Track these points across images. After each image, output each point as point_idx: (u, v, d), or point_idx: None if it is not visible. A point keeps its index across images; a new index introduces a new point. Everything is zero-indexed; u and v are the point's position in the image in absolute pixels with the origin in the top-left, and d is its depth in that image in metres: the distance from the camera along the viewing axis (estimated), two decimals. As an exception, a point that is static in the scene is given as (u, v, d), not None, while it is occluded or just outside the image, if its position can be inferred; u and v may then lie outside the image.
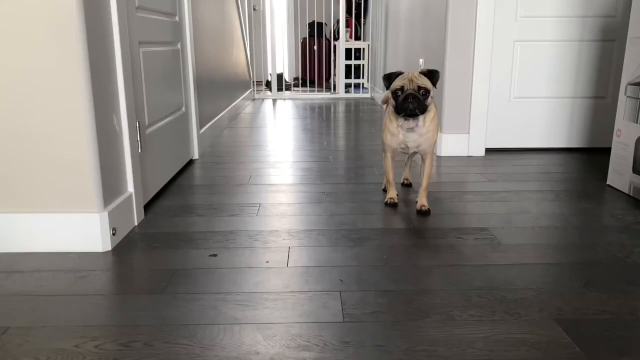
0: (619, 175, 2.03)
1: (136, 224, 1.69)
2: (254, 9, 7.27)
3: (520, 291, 1.23)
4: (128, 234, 1.61)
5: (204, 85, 2.94)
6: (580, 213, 1.78)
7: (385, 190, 1.99)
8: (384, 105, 1.96)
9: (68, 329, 1.08)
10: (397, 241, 1.53)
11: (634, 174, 1.94)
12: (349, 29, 6.64)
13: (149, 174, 1.88)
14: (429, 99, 1.69)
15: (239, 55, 4.50)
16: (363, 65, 6.37)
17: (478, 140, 2.68)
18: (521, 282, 1.28)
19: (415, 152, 1.83)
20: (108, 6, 1.51)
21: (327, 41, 6.97)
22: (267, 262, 1.40)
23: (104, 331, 1.07)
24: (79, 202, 1.45)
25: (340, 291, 1.23)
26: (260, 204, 1.89)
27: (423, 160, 1.83)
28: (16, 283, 1.29)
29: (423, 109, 1.68)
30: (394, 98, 1.70)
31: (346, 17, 6.70)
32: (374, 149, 2.87)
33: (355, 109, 4.62)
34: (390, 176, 1.88)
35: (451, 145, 2.69)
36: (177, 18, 2.35)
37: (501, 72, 2.68)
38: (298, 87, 6.83)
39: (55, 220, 1.45)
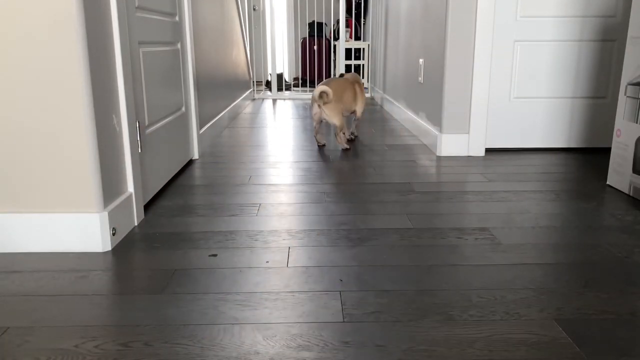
0: (619, 175, 2.03)
1: (136, 224, 1.69)
2: (254, 9, 7.27)
3: (520, 291, 1.23)
4: (128, 234, 1.61)
5: (203, 85, 2.94)
6: (580, 213, 1.78)
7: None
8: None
9: (68, 329, 1.08)
10: (397, 241, 1.53)
11: (634, 174, 1.94)
12: (349, 29, 6.65)
13: (148, 174, 1.88)
14: None
15: (239, 55, 4.50)
16: (363, 65, 6.37)
17: (478, 140, 2.68)
18: (521, 282, 1.28)
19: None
20: (108, 6, 1.51)
21: (327, 41, 6.97)
22: (267, 262, 1.40)
23: (103, 331, 1.07)
24: (78, 202, 1.45)
25: (340, 291, 1.23)
26: (260, 204, 1.89)
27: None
28: (16, 283, 1.29)
29: None
30: None
31: (346, 17, 6.70)
32: (374, 148, 2.87)
33: (355, 109, 4.62)
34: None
35: (451, 145, 2.69)
36: (177, 18, 2.35)
37: (501, 72, 2.68)
38: (298, 87, 6.83)
39: (55, 220, 1.45)
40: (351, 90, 3.00)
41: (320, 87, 2.76)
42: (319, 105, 2.80)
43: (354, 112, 3.11)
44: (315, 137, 2.99)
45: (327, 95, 2.74)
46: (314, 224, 1.68)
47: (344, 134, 2.86)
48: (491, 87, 2.70)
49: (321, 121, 2.88)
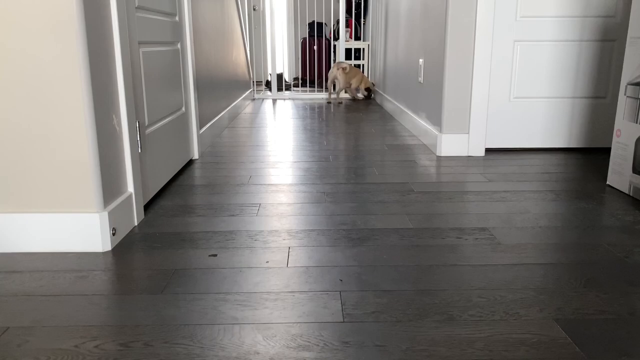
0: (618, 175, 2.03)
1: (136, 224, 1.69)
2: (254, 9, 7.27)
3: (519, 291, 1.23)
4: (128, 234, 1.61)
5: (204, 85, 2.94)
6: (580, 213, 1.78)
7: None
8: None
9: (68, 329, 1.08)
10: (397, 241, 1.53)
11: (634, 174, 1.94)
12: (349, 29, 6.65)
13: (149, 174, 1.88)
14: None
15: (239, 55, 4.50)
16: (363, 65, 6.37)
17: (478, 140, 2.68)
18: (521, 282, 1.28)
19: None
20: (108, 6, 1.51)
21: (327, 41, 6.97)
22: (267, 262, 1.40)
23: (104, 331, 1.07)
24: (78, 202, 1.45)
25: (340, 291, 1.23)
26: (260, 204, 1.89)
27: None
28: (16, 283, 1.29)
29: None
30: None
31: (346, 17, 6.70)
32: (373, 148, 2.87)
33: (355, 109, 4.63)
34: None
35: (451, 145, 2.69)
36: (177, 18, 2.35)
37: (501, 72, 2.68)
38: (298, 87, 6.83)
39: (55, 220, 1.45)
40: (354, 72, 5.22)
41: (343, 63, 5.12)
42: (337, 69, 5.09)
43: (350, 85, 5.29)
44: (329, 95, 5.30)
45: (345, 69, 5.10)
46: (314, 224, 1.69)
47: (338, 95, 5.23)
48: (491, 87, 2.70)
49: (333, 83, 5.22)
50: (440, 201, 1.92)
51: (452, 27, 2.58)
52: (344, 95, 5.69)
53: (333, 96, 5.44)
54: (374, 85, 5.39)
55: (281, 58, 7.53)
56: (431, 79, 2.94)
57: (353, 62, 6.31)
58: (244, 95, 4.73)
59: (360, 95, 5.38)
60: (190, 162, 2.57)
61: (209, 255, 1.44)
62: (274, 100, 5.38)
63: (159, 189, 2.01)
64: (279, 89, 6.23)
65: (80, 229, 1.46)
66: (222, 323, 1.10)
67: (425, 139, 3.01)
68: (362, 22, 6.72)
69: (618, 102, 2.03)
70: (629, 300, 1.18)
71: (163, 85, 2.09)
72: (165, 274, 1.33)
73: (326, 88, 6.41)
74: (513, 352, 0.99)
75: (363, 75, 5.31)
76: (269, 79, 6.30)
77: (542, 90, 2.71)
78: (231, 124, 3.81)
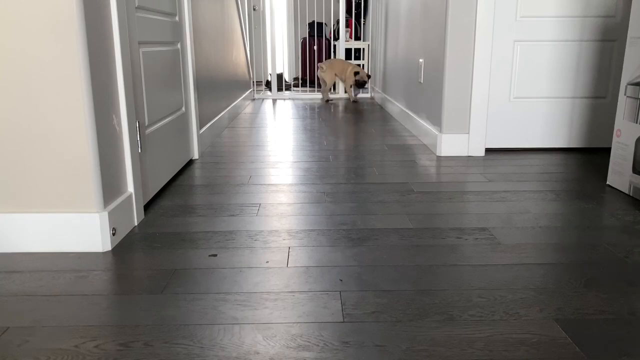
0: (618, 175, 2.03)
1: (136, 224, 1.69)
2: (254, 9, 7.27)
3: (520, 291, 1.23)
4: (128, 234, 1.61)
5: (204, 85, 2.94)
6: (580, 213, 1.78)
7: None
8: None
9: (68, 329, 1.08)
10: (397, 241, 1.53)
11: (634, 174, 1.94)
12: (349, 29, 6.65)
13: (149, 174, 1.88)
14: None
15: (239, 55, 4.50)
16: (363, 65, 6.37)
17: (478, 140, 2.68)
18: (521, 282, 1.28)
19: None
20: (108, 6, 1.51)
21: (327, 41, 6.97)
22: (267, 262, 1.40)
23: (103, 331, 1.07)
24: (78, 202, 1.45)
25: (340, 291, 1.23)
26: (260, 204, 1.89)
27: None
28: (16, 283, 1.29)
29: None
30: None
31: (346, 17, 6.70)
32: (373, 149, 2.87)
33: (355, 109, 4.63)
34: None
35: (451, 145, 2.69)
36: (177, 18, 2.35)
37: (501, 72, 2.68)
38: (298, 87, 6.83)
39: (55, 220, 1.45)
40: (341, 65, 5.19)
41: (321, 63, 5.23)
42: (320, 68, 5.19)
43: (343, 79, 5.29)
44: (322, 95, 5.34)
45: (322, 67, 5.17)
46: (314, 224, 1.69)
47: (327, 94, 5.29)
48: (491, 87, 2.70)
49: (325, 82, 5.22)
50: (440, 201, 1.92)
51: (452, 27, 2.58)
52: (343, 95, 5.67)
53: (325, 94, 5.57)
54: (357, 74, 5.16)
55: (281, 58, 7.53)
56: (431, 79, 2.94)
57: (353, 62, 6.31)
58: (244, 95, 4.73)
59: (355, 94, 5.30)
60: (190, 162, 2.57)
61: (209, 255, 1.44)
62: (274, 100, 5.38)
63: (159, 189, 2.01)
64: (279, 89, 6.23)
65: (80, 229, 1.46)
66: (222, 323, 1.10)
67: (425, 139, 3.01)
68: (362, 22, 6.72)
69: (618, 102, 2.03)
70: (629, 300, 1.18)
71: (163, 85, 2.09)
72: (165, 274, 1.33)
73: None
74: (513, 352, 0.99)
75: (353, 65, 5.13)
76: (269, 79, 6.30)
77: (542, 90, 2.71)
78: (231, 124, 3.81)
